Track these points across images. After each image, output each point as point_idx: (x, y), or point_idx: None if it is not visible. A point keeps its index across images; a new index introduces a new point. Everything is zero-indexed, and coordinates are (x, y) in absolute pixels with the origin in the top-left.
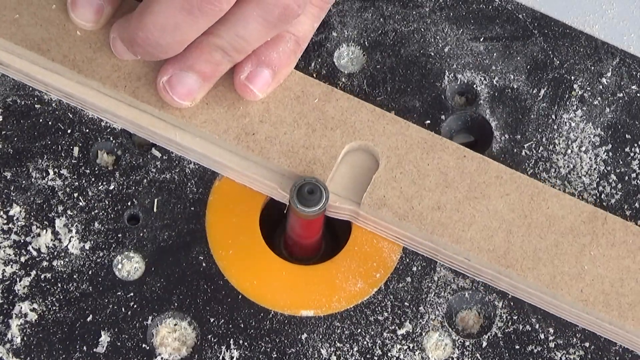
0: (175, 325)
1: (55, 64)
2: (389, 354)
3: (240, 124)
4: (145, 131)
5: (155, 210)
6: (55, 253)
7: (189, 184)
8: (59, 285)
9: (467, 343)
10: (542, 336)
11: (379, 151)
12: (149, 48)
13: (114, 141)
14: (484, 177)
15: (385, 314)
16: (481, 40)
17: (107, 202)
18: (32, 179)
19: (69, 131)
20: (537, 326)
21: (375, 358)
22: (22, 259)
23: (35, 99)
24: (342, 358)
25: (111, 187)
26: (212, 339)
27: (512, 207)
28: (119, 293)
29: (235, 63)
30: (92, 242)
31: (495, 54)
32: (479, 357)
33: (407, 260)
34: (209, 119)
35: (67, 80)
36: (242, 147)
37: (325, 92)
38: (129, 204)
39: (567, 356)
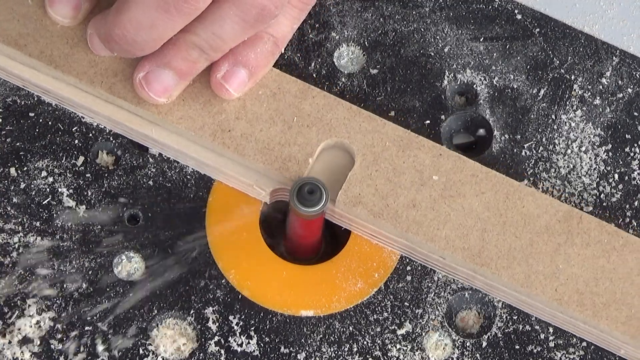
0: (175, 325)
1: (32, 60)
2: (389, 354)
3: (216, 121)
4: (121, 127)
5: (157, 210)
6: (55, 253)
7: (189, 184)
8: (60, 285)
9: (467, 343)
10: (542, 336)
11: (355, 149)
12: (126, 45)
13: (114, 141)
14: (459, 176)
15: (385, 314)
16: (481, 40)
17: (107, 202)
18: (32, 179)
19: (69, 131)
20: (537, 326)
21: (375, 358)
22: (22, 259)
23: (35, 99)
24: (342, 358)
25: (111, 187)
26: (212, 339)
27: (488, 205)
28: (120, 293)
29: (212, 61)
30: (92, 242)
31: (495, 54)
32: (479, 357)
33: (407, 260)
34: (185, 115)
35: (44, 75)
36: (217, 143)
37: (302, 89)
38: (129, 204)
39: (567, 356)
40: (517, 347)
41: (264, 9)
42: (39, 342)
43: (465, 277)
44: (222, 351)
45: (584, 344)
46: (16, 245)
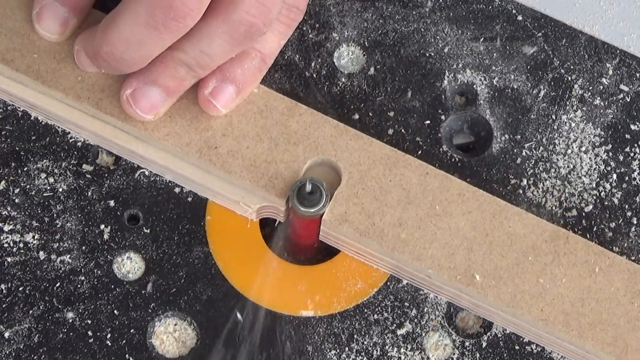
0: (175, 325)
1: (19, 74)
2: (389, 354)
3: (202, 138)
4: (108, 143)
5: (157, 210)
6: (55, 253)
7: None
8: (59, 285)
9: (467, 343)
10: None
11: (342, 167)
12: (113, 62)
13: None
14: (446, 195)
15: (385, 314)
16: (481, 40)
17: (107, 202)
18: (32, 179)
19: (68, 131)
20: None
21: (375, 358)
22: (23, 259)
23: None
24: (342, 358)
25: (111, 187)
26: (212, 339)
27: (474, 225)
28: (119, 293)
29: (199, 78)
30: (92, 242)
31: (495, 54)
32: (479, 357)
33: None
34: (171, 131)
35: (31, 90)
36: (204, 160)
37: (289, 106)
38: (129, 204)
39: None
40: (517, 347)
41: (252, 26)
42: None
43: (451, 296)
44: (222, 351)
45: None
46: (16, 246)
